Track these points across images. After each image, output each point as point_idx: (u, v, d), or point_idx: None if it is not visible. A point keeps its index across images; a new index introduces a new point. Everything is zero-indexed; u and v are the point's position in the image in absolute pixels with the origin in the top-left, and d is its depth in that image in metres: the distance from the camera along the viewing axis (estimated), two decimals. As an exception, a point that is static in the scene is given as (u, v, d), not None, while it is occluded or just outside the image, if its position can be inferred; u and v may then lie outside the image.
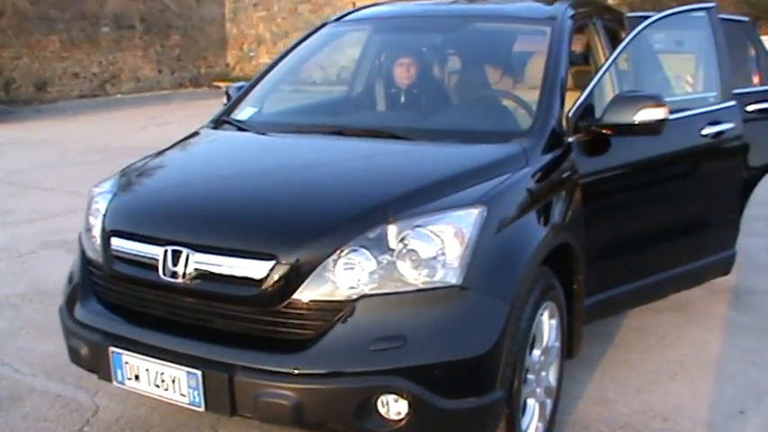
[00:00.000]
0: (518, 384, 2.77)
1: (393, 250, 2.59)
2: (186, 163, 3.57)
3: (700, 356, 4.16)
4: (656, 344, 4.31)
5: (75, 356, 3.07)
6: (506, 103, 3.81)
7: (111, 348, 2.82)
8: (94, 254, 3.12)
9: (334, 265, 2.58)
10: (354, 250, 2.59)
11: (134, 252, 2.90)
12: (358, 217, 2.67)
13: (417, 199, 2.75)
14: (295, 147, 3.56)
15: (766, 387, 3.81)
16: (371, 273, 2.57)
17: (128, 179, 3.29)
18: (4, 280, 5.50)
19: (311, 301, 2.58)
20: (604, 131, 3.47)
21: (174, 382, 2.69)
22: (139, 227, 2.94)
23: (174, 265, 2.74)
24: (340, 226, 2.65)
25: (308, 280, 2.58)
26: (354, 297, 2.56)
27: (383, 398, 2.52)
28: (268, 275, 2.60)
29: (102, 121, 14.08)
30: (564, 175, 3.28)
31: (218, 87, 20.89)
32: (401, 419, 2.52)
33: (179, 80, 20.67)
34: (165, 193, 3.18)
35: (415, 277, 2.58)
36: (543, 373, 3.10)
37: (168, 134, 12.26)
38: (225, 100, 4.37)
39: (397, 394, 2.49)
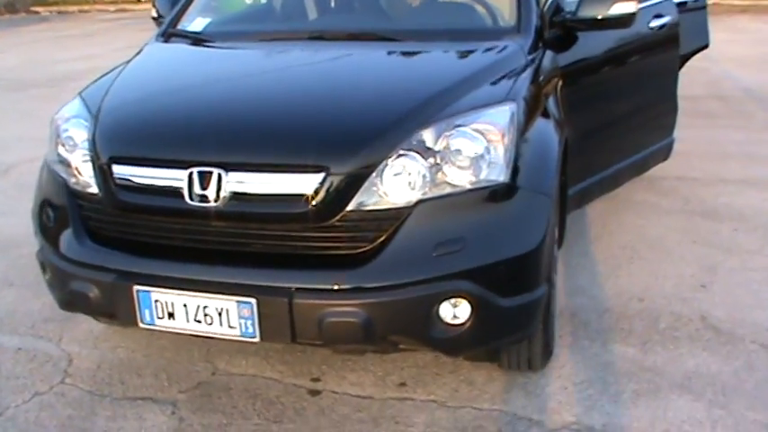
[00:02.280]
0: (553, 277, 2.81)
1: (438, 152, 2.53)
2: (171, 78, 3.26)
3: (645, 240, 4.40)
4: (601, 232, 4.51)
5: (78, 302, 2.78)
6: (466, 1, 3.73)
7: (136, 287, 2.58)
8: (81, 186, 2.82)
9: (386, 172, 2.48)
10: (403, 155, 2.50)
11: (148, 178, 2.64)
12: (401, 121, 2.57)
13: (448, 99, 2.68)
14: (286, 55, 3.35)
15: (713, 262, 4.09)
16: (423, 177, 2.50)
17: (107, 101, 2.96)
18: None
19: (366, 211, 2.48)
20: (577, 26, 3.50)
21: (220, 314, 2.51)
22: (152, 150, 2.69)
23: (204, 188, 2.52)
24: (388, 131, 2.54)
25: (361, 190, 2.47)
26: (410, 203, 2.48)
27: (444, 304, 2.48)
28: (318, 189, 2.46)
29: None
30: (553, 71, 3.30)
31: (38, 13, 19.30)
32: (463, 323, 2.51)
33: (-8, 6, 18.89)
34: (173, 110, 2.90)
35: (461, 178, 2.53)
36: (550, 265, 3.16)
37: (3, 63, 11.37)
38: (154, 14, 4.02)
39: (462, 297, 2.47)
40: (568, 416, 2.85)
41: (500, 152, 2.56)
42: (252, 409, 2.96)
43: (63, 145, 2.92)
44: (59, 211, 2.88)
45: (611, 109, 3.95)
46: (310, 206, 2.46)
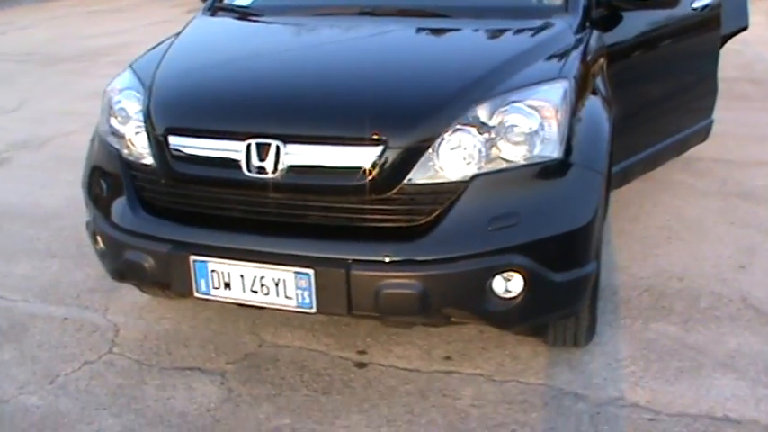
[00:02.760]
0: (600, 252, 2.83)
1: (493, 128, 2.55)
2: (224, 51, 3.27)
3: (682, 220, 4.39)
4: (638, 212, 4.51)
5: (131, 272, 2.82)
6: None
7: (193, 257, 2.62)
8: (135, 157, 2.86)
9: (442, 146, 2.51)
10: (459, 130, 2.53)
11: (205, 150, 2.68)
12: (457, 96, 2.60)
13: (501, 75, 2.71)
14: (338, 29, 3.38)
15: (752, 243, 4.09)
16: (478, 152, 2.52)
17: (160, 73, 2.99)
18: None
19: (423, 184, 2.50)
20: (623, 5, 3.50)
21: (277, 285, 2.55)
22: (209, 122, 2.72)
23: (262, 160, 2.55)
24: (445, 106, 2.56)
25: (417, 163, 2.49)
26: (466, 178, 2.51)
27: (497, 277, 2.51)
28: (377, 162, 2.48)
29: (-52, 29, 12.75)
30: (600, 50, 3.30)
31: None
32: (515, 297, 2.54)
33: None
34: (229, 83, 2.92)
35: (515, 153, 2.55)
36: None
37: (35, 38, 11.44)
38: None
39: (515, 271, 2.50)
40: (613, 391, 2.88)
41: (554, 128, 2.58)
42: (300, 381, 3.00)
43: (116, 116, 2.96)
44: (113, 181, 2.92)
45: (653, 89, 3.95)
46: (368, 179, 2.49)
